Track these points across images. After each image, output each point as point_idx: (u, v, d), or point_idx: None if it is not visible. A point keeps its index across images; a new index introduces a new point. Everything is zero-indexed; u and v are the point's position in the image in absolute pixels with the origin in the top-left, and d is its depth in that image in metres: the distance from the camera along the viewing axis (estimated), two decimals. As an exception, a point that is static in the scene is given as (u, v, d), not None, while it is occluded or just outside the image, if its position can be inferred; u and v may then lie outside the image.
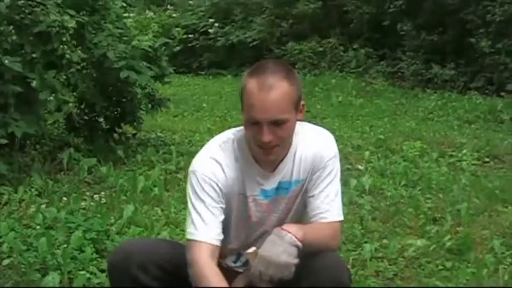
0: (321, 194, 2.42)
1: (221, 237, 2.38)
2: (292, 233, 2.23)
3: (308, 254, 2.27)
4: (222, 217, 2.40)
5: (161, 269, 2.41)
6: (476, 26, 12.78)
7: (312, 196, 2.43)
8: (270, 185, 2.45)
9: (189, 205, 2.41)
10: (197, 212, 2.37)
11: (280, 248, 2.21)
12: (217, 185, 2.39)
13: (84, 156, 6.07)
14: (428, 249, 4.10)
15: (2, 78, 5.07)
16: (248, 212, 2.47)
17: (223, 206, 2.41)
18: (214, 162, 2.42)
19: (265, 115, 2.24)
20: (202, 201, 2.38)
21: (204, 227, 2.34)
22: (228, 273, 2.43)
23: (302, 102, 2.38)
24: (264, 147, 2.31)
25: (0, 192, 4.93)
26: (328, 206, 2.41)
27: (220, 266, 2.44)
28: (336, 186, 2.46)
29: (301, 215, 2.53)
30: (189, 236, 2.37)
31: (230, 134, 2.48)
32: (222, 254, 2.48)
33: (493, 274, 3.70)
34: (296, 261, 2.20)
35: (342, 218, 2.45)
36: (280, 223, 2.46)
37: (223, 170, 2.41)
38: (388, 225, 4.65)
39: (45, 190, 5.12)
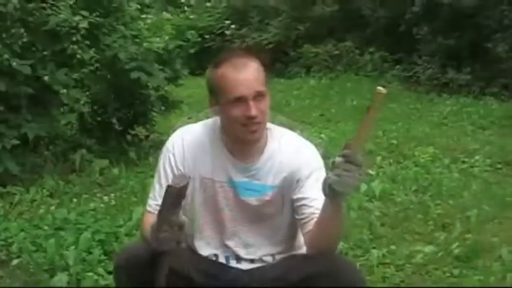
0: (314, 202, 2.38)
1: None
2: None
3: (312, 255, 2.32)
4: None
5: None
6: (492, 30, 12.68)
7: (304, 205, 2.42)
8: (239, 177, 2.49)
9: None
10: (154, 183, 2.55)
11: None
12: (174, 157, 2.52)
13: (97, 157, 6.10)
14: (436, 256, 4.09)
15: (14, 80, 5.11)
16: (216, 197, 2.52)
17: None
18: (179, 136, 2.57)
19: (249, 89, 2.37)
20: (159, 173, 2.55)
21: (158, 199, 2.41)
22: (222, 270, 2.48)
23: None
24: (250, 124, 2.38)
25: (12, 192, 4.98)
26: None
27: (215, 262, 2.52)
28: None
29: (281, 225, 2.54)
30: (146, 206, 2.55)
31: (209, 120, 2.60)
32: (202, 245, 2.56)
33: (500, 282, 3.69)
34: None
35: None
36: (252, 227, 2.53)
37: (183, 145, 2.53)
38: (396, 231, 4.64)
39: (57, 191, 5.17)
